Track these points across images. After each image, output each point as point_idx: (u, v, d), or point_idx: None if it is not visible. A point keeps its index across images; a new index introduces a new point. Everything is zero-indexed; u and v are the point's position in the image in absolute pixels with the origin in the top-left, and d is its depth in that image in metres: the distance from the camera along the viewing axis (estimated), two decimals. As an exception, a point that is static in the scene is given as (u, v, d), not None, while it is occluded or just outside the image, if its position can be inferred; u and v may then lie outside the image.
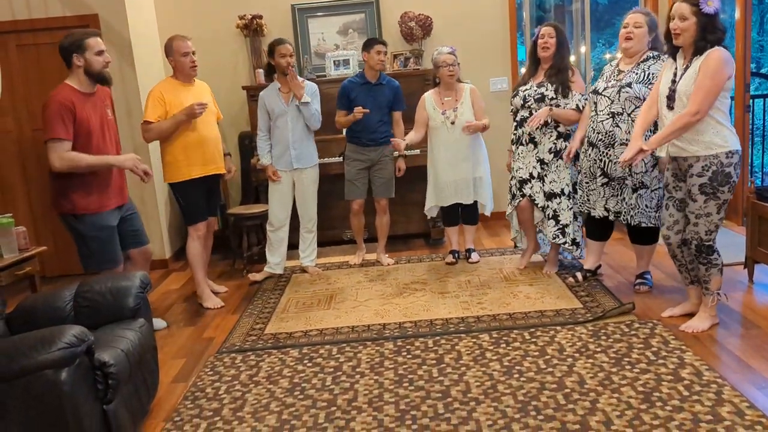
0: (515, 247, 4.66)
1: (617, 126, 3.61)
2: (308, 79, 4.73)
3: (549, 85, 4.01)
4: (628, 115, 3.57)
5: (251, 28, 5.56)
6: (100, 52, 3.42)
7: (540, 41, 4.02)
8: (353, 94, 4.54)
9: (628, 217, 3.71)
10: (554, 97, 3.98)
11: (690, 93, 2.98)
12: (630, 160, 3.14)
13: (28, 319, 2.68)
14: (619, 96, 3.58)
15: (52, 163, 3.30)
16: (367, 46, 4.51)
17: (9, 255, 3.79)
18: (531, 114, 4.04)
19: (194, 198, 4.09)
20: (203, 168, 4.05)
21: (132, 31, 4.97)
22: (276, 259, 4.68)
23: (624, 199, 3.70)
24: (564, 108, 3.97)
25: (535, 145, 4.09)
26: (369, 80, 4.57)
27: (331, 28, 5.71)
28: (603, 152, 3.68)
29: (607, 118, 3.63)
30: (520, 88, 4.14)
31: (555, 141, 4.05)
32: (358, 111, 4.43)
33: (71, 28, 4.79)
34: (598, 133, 3.68)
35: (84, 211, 3.42)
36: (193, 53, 4.02)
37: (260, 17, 5.57)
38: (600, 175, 3.74)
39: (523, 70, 4.62)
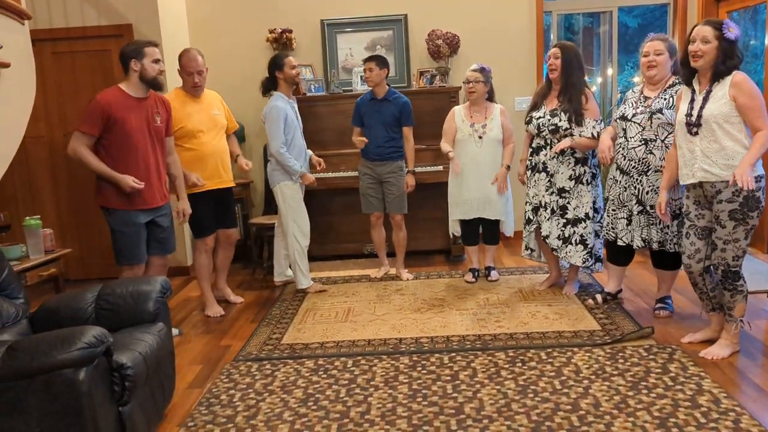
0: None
1: (651, 153, 3.57)
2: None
3: (562, 114, 3.99)
4: (662, 141, 3.54)
5: (281, 41, 5.64)
6: (156, 61, 3.62)
7: (548, 62, 4.05)
8: (362, 111, 4.68)
9: (673, 245, 3.64)
10: (568, 127, 3.97)
11: (724, 116, 2.96)
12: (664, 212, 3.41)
13: (51, 319, 2.74)
14: (651, 123, 3.55)
15: (68, 149, 3.52)
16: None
17: (35, 256, 3.89)
18: (546, 143, 4.06)
19: (198, 212, 4.12)
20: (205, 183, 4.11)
21: (164, 41, 5.08)
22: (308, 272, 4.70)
23: (668, 227, 3.63)
24: (579, 135, 3.97)
25: (548, 174, 4.08)
26: (375, 97, 4.66)
27: (359, 44, 5.77)
28: (637, 179, 3.65)
29: (640, 145, 3.60)
30: (533, 114, 4.13)
31: (574, 168, 4.03)
32: (360, 141, 4.59)
33: (106, 37, 4.95)
34: (630, 160, 3.64)
35: (114, 206, 3.56)
36: (199, 73, 4.07)
37: (290, 31, 5.65)
38: (635, 204, 3.69)
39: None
